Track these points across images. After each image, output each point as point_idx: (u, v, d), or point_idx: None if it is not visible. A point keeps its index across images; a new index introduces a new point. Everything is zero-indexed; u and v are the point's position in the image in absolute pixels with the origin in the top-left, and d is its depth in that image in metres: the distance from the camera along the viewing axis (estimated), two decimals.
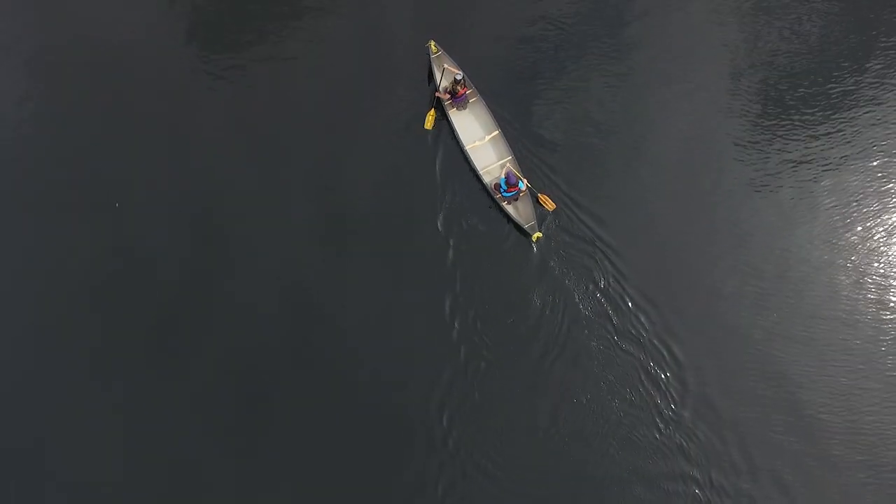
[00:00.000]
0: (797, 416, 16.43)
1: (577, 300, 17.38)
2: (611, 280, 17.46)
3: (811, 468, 16.06)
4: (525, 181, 18.12)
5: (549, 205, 18.13)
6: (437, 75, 19.42)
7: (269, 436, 16.72)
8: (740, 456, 16.14)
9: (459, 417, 16.60)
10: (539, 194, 18.22)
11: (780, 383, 16.69)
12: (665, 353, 16.85)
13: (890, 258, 17.77)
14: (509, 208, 18.03)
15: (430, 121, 19.33)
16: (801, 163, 18.75)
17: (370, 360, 17.19)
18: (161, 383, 17.23)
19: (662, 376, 16.71)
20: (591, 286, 17.46)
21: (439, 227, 18.22)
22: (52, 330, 17.79)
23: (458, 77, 18.98)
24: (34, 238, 18.81)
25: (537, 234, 17.54)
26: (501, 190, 17.95)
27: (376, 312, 17.62)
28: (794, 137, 19.08)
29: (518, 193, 17.99)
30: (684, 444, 16.29)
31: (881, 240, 17.94)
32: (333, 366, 17.20)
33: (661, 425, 16.39)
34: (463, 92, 19.10)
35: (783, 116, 19.34)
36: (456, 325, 17.30)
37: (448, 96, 19.20)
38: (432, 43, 19.61)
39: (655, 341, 16.96)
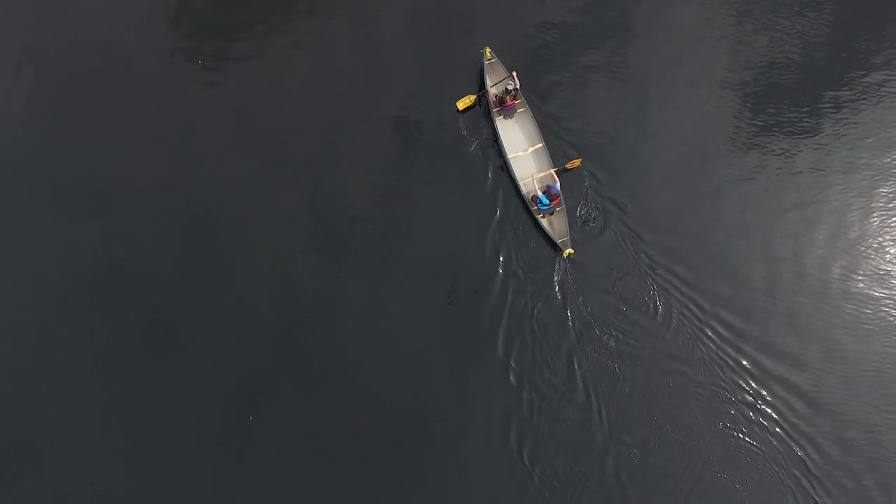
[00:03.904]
0: None
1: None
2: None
3: None
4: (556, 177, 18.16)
5: (575, 163, 18.46)
6: (488, 80, 19.49)
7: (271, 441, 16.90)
8: None
9: (462, 418, 16.70)
10: (566, 165, 18.50)
11: None
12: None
13: None
14: (544, 222, 18.04)
15: (464, 103, 19.52)
16: None
17: (372, 363, 17.30)
18: (160, 383, 17.40)
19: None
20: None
21: (471, 229, 18.34)
22: (49, 330, 18.02)
23: (510, 86, 19.01)
24: (31, 238, 19.01)
25: (569, 251, 17.51)
26: (539, 202, 17.92)
27: (385, 316, 17.77)
28: None
29: (555, 208, 17.91)
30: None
31: None
32: (338, 368, 17.34)
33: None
34: (511, 103, 19.12)
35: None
36: (471, 324, 17.42)
37: (495, 98, 19.24)
38: (487, 49, 19.69)
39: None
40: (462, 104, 19.52)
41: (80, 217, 19.11)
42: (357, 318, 17.70)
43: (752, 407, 16.45)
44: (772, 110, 19.48)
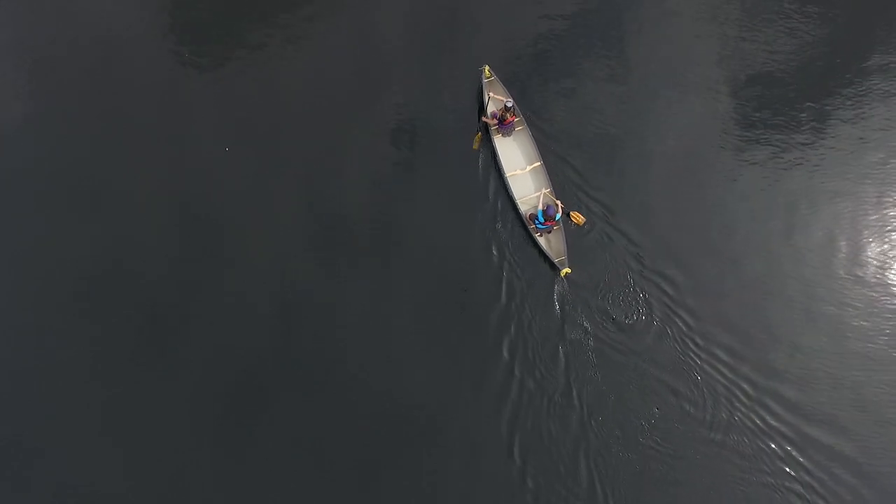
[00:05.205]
0: None
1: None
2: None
3: None
4: (559, 203, 18.65)
5: (579, 220, 18.73)
6: (486, 99, 19.93)
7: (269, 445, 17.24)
8: None
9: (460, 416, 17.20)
10: (570, 212, 18.76)
11: None
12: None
13: None
14: (541, 240, 18.62)
15: (476, 142, 19.90)
16: None
17: (371, 364, 17.71)
18: (160, 383, 17.61)
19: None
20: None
21: (469, 243, 18.89)
22: (49, 330, 18.10)
23: (508, 104, 19.47)
24: (31, 238, 19.04)
25: (566, 270, 18.10)
26: (537, 221, 18.51)
27: (384, 317, 18.16)
28: None
29: (552, 227, 18.56)
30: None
31: None
32: (337, 368, 17.70)
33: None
34: (511, 119, 19.62)
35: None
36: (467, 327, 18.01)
37: (495, 121, 19.71)
38: (487, 67, 20.08)
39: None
40: (476, 143, 19.86)
41: (80, 217, 19.15)
42: (357, 319, 18.11)
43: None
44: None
